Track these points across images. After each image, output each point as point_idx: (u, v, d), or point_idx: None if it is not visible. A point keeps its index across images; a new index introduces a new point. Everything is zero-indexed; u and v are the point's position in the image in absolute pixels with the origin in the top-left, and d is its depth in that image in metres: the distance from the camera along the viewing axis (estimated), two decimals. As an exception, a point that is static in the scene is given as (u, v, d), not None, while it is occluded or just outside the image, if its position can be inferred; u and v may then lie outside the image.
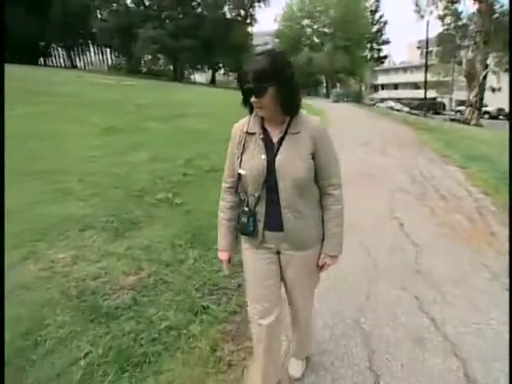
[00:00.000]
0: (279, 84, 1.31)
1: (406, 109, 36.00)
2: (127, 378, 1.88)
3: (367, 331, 2.26)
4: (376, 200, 4.82)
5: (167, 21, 39.90)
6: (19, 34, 30.60)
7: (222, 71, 49.48)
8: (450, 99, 41.19)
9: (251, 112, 1.46)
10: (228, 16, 43.95)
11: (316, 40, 52.91)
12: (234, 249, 1.66)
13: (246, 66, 1.33)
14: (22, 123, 7.90)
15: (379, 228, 3.88)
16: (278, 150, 1.41)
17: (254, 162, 1.42)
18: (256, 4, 43.90)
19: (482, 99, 24.09)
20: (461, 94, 33.00)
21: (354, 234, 3.58)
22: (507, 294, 2.58)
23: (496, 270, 2.95)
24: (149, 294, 2.56)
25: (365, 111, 25.60)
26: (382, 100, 47.49)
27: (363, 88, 58.33)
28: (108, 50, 47.93)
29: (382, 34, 55.29)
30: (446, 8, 24.95)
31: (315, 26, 52.03)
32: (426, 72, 29.46)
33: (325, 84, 57.20)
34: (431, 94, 36.34)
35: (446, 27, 26.03)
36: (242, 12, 44.24)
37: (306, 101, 30.16)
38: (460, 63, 28.34)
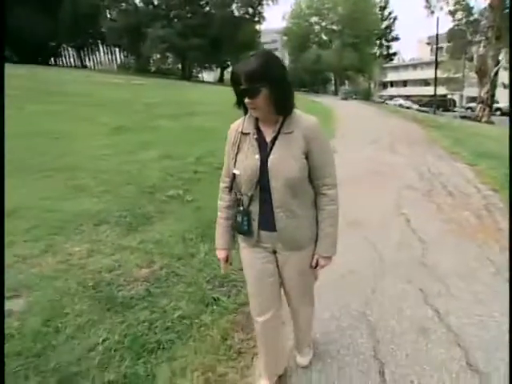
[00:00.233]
0: (272, 84, 1.31)
1: (416, 106, 35.72)
2: (142, 363, 1.98)
3: (373, 323, 2.32)
4: (384, 197, 4.86)
5: (176, 20, 40.12)
6: (30, 35, 31.11)
7: (230, 69, 49.56)
8: (461, 96, 40.67)
9: (246, 113, 1.47)
10: (236, 14, 43.95)
11: (324, 37, 52.71)
12: (232, 247, 1.69)
13: (237, 67, 1.33)
14: (34, 122, 8.11)
15: (386, 224, 3.93)
16: (271, 149, 1.42)
17: (247, 162, 1.43)
18: (264, 2, 43.83)
19: (493, 96, 23.74)
20: (472, 91, 32.61)
21: (361, 230, 3.64)
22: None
23: (501, 264, 2.99)
24: (161, 286, 2.66)
25: (373, 109, 25.47)
26: (391, 97, 47.17)
27: (372, 85, 57.93)
28: (117, 49, 48.38)
29: (391, 31, 54.84)
30: (456, 3, 24.62)
31: (323, 24, 51.83)
32: (436, 68, 29.12)
33: (333, 81, 56.94)
34: (441, 90, 35.93)
35: (456, 23, 25.69)
36: (250, 10, 44.21)
37: (314, 98, 30.18)
38: (471, 59, 27.98)
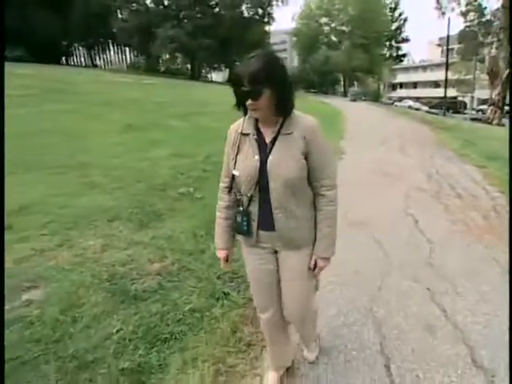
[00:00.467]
0: (274, 85, 1.31)
1: (425, 108, 35.43)
2: (156, 352, 2.06)
3: (379, 319, 2.37)
4: (392, 197, 4.88)
5: (185, 20, 40.39)
6: (42, 35, 31.61)
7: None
8: (472, 98, 40.26)
9: (245, 114, 1.46)
10: (246, 15, 44.08)
11: (334, 38, 52.62)
12: (232, 246, 1.70)
13: (239, 68, 1.32)
14: (47, 120, 8.28)
15: (394, 224, 3.96)
16: (270, 150, 1.42)
17: (247, 163, 1.44)
18: (274, 2, 43.88)
19: (504, 98, 23.45)
20: (483, 93, 32.28)
21: (369, 230, 3.69)
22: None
23: (507, 264, 3.01)
24: (173, 280, 2.74)
25: (382, 110, 25.37)
26: (401, 99, 46.84)
27: (381, 87, 57.61)
28: (127, 49, 48.88)
29: (401, 32, 54.56)
30: (468, 4, 24.41)
31: (333, 24, 51.73)
32: (446, 70, 28.88)
33: (342, 82, 56.76)
34: (452, 92, 35.63)
35: (468, 24, 25.46)
36: (260, 11, 44.27)
37: (323, 99, 30.12)
38: (482, 61, 27.74)
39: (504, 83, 22.56)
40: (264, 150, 1.43)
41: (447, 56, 29.16)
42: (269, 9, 44.43)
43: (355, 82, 56.35)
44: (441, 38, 41.35)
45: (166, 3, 42.08)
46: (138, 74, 31.59)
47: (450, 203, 4.66)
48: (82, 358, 1.97)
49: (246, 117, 1.47)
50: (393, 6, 52.85)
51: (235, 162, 1.47)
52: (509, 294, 2.37)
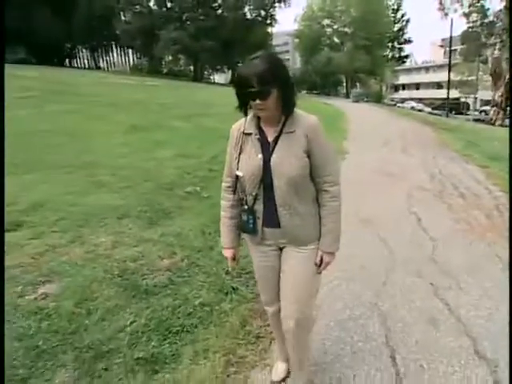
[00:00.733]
0: (280, 85, 1.35)
1: (428, 109, 35.45)
2: (168, 344, 2.13)
3: (384, 313, 2.44)
4: (395, 197, 4.95)
5: (188, 22, 40.56)
6: (46, 37, 31.83)
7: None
8: (475, 99, 40.23)
9: (246, 115, 1.50)
10: (248, 16, 44.24)
11: (336, 40, 52.72)
12: (238, 245, 1.72)
13: (245, 70, 1.34)
14: (53, 121, 8.38)
15: (398, 222, 4.02)
16: (273, 149, 1.45)
17: (250, 162, 1.46)
18: (276, 4, 44.01)
19: (507, 99, 23.44)
20: (486, 94, 32.23)
21: (373, 228, 3.76)
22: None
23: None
24: (183, 275, 2.81)
25: (385, 111, 25.42)
26: (403, 100, 46.84)
27: (384, 88, 57.62)
28: (130, 50, 49.11)
29: (403, 33, 54.60)
30: (471, 5, 24.44)
31: (335, 26, 51.84)
32: (449, 71, 28.90)
33: (344, 84, 56.81)
34: (454, 94, 35.60)
35: (471, 25, 25.47)
36: (263, 12, 44.40)
37: (326, 101, 30.13)
38: (485, 62, 27.72)
39: (507, 84, 22.56)
40: (267, 148, 1.46)
41: (450, 57, 29.21)
42: (271, 10, 44.61)
43: (357, 84, 56.40)
44: (443, 39, 41.41)
45: (169, 5, 42.30)
46: (141, 76, 31.75)
47: (453, 202, 4.72)
48: (98, 349, 2.05)
49: (248, 116, 1.50)
50: (395, 7, 52.94)
51: (238, 161, 1.49)
52: (509, 289, 2.42)
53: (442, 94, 38.47)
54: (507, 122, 23.36)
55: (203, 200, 4.35)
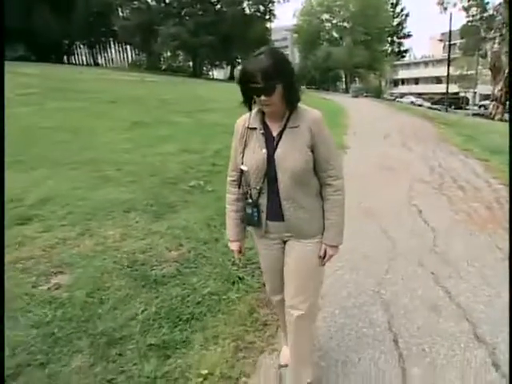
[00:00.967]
0: (285, 80, 1.36)
1: (427, 104, 35.45)
2: (179, 331, 2.21)
3: (387, 300, 2.52)
4: (396, 190, 5.02)
5: (187, 18, 40.33)
6: (45, 34, 31.69)
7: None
8: (474, 93, 40.21)
9: (250, 110, 1.52)
10: (247, 12, 43.99)
11: (335, 35, 52.50)
12: (243, 238, 1.75)
13: (250, 65, 1.35)
14: (54, 118, 8.43)
15: (399, 214, 4.10)
16: (277, 143, 1.47)
17: (255, 156, 1.48)
18: (275, -1, 43.76)
19: (507, 93, 23.47)
20: (485, 89, 32.23)
21: (375, 219, 3.83)
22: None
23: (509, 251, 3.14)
24: (190, 266, 2.89)
25: (384, 106, 25.42)
26: (402, 95, 46.82)
27: (383, 83, 57.52)
28: (129, 47, 48.87)
29: (403, 28, 54.36)
30: (470, -1, 24.41)
31: (334, 21, 51.60)
32: (448, 66, 28.88)
33: (344, 79, 56.69)
34: (454, 88, 35.59)
35: (470, 19, 25.45)
36: (262, 8, 44.15)
37: (325, 96, 30.09)
38: (484, 56, 27.70)
39: (506, 79, 22.56)
40: (271, 143, 1.48)
41: (449, 51, 29.19)
42: (270, 5, 44.31)
43: (357, 79, 56.24)
44: (443, 34, 41.30)
45: (167, 1, 42.06)
46: (140, 72, 31.67)
47: (453, 195, 4.79)
48: (111, 336, 2.12)
49: (253, 111, 1.52)
50: (394, 1, 52.66)
51: (243, 155, 1.52)
52: (509, 289, 2.47)
53: (441, 88, 38.45)
54: (506, 116, 23.39)
55: (207, 194, 4.42)
